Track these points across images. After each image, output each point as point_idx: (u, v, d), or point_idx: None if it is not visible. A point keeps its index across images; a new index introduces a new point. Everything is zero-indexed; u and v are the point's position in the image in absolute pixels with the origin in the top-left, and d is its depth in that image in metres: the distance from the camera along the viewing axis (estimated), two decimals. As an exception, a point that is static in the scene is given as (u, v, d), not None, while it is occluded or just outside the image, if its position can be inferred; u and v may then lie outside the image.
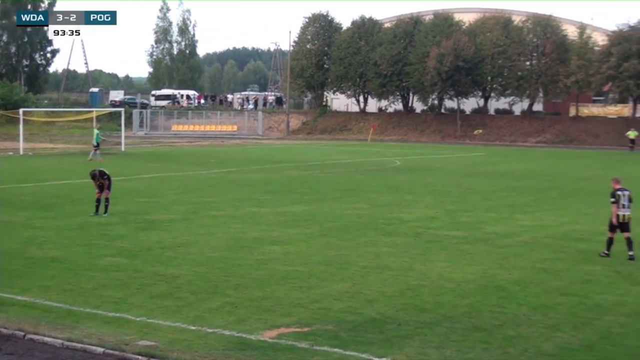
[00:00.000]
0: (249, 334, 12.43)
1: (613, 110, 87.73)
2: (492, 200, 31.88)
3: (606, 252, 19.68)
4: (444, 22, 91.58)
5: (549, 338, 12.65)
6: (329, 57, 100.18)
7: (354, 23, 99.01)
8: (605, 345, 12.32)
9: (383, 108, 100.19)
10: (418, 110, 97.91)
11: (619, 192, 19.72)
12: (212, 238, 21.38)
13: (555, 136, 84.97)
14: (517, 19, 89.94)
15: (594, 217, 26.74)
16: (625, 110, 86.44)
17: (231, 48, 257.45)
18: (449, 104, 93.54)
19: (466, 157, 61.72)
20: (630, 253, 19.39)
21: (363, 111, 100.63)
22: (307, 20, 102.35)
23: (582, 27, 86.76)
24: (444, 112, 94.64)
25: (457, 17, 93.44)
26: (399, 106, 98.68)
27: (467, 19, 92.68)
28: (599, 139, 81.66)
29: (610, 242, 19.73)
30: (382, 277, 16.81)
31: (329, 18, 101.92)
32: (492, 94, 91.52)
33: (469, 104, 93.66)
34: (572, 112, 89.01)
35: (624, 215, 19.59)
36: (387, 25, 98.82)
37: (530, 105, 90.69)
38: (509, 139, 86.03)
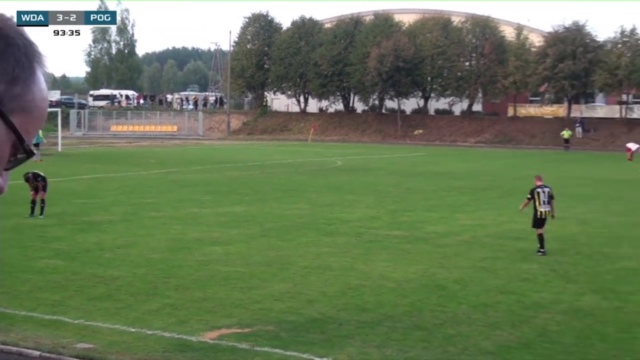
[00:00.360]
0: (190, 336, 12.32)
1: (549, 111, 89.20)
2: (432, 199, 32.13)
3: (541, 250, 19.97)
4: (384, 22, 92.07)
5: (488, 336, 12.76)
6: (269, 57, 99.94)
7: (294, 23, 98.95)
8: (542, 343, 12.49)
9: (324, 108, 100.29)
10: (359, 111, 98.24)
11: (539, 189, 20.22)
12: (152, 239, 21.15)
13: (494, 136, 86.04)
14: (456, 20, 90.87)
15: (531, 217, 27.04)
16: (560, 110, 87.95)
17: (171, 48, 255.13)
18: (390, 104, 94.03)
19: (407, 157, 62.14)
20: (542, 250, 19.86)
21: (304, 111, 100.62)
22: (247, 20, 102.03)
23: (520, 28, 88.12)
24: (384, 113, 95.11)
25: (397, 17, 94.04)
26: (340, 106, 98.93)
27: (407, 19, 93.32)
28: (536, 138, 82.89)
29: (540, 238, 20.06)
30: (323, 277, 16.80)
31: (269, 18, 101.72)
32: (432, 95, 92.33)
33: (410, 104, 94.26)
34: (510, 112, 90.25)
35: (543, 212, 20.04)
36: (327, 25, 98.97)
37: (470, 105, 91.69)
38: (449, 139, 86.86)
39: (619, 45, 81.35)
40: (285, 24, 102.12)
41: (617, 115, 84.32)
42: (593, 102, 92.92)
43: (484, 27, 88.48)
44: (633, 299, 15.29)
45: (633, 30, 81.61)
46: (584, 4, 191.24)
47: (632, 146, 59.92)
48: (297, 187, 36.00)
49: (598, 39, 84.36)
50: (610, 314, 14.25)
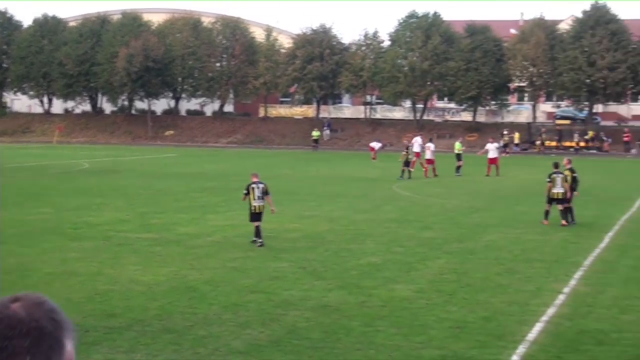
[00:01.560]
0: None
1: (299, 111, 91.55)
2: (184, 201, 31.87)
3: (259, 240, 21.07)
4: (132, 22, 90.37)
5: (239, 336, 12.77)
6: (8, 56, 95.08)
7: (35, 21, 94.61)
8: (292, 340, 12.64)
9: (70, 109, 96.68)
10: (107, 112, 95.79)
11: (254, 185, 21.35)
12: None
13: (246, 136, 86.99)
14: (206, 21, 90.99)
15: (282, 215, 27.50)
16: (310, 111, 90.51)
17: None
18: (140, 105, 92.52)
19: (158, 158, 61.39)
20: (260, 240, 20.98)
21: (48, 112, 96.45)
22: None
23: (269, 30, 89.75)
24: (134, 113, 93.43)
25: (146, 17, 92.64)
26: (87, 107, 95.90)
27: (157, 19, 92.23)
28: (287, 138, 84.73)
29: (257, 230, 21.14)
30: (68, 283, 16.12)
31: (8, 15, 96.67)
32: (183, 95, 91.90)
33: (160, 104, 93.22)
34: (262, 113, 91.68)
35: (258, 206, 21.14)
36: (72, 24, 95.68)
37: (221, 106, 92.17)
38: (201, 139, 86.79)
39: (363, 48, 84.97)
40: (27, 21, 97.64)
41: (362, 116, 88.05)
42: (340, 102, 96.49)
43: (234, 28, 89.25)
44: (376, 293, 15.86)
45: (375, 34, 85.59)
46: (330, 6, 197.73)
47: (376, 145, 62.72)
48: (40, 191, 34.45)
49: (344, 42, 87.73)
50: (355, 308, 14.69)
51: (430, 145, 46.73)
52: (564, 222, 25.42)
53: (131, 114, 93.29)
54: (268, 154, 69.99)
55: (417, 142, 50.51)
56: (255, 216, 21.23)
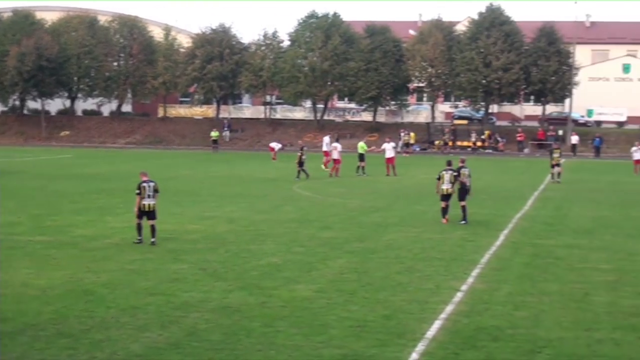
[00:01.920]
0: None
1: (199, 111, 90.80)
2: (80, 202, 31.18)
3: (139, 238, 21.36)
4: (24, 20, 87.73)
5: (137, 339, 12.61)
6: None
7: None
8: (191, 342, 12.53)
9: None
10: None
11: (145, 184, 21.44)
12: None
13: (145, 137, 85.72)
14: (103, 19, 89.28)
15: (182, 216, 27.30)
16: (210, 111, 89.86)
17: None
18: (33, 104, 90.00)
19: (53, 159, 59.94)
20: (152, 239, 21.22)
21: None
22: None
23: (168, 29, 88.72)
24: (27, 114, 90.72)
25: (39, 15, 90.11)
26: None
27: (50, 17, 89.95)
28: (186, 139, 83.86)
29: (139, 227, 21.39)
30: (-43, 289, 15.53)
31: None
32: (79, 95, 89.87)
33: (55, 104, 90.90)
34: (161, 113, 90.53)
35: (149, 205, 21.34)
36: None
37: (119, 106, 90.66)
38: (98, 140, 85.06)
39: (263, 48, 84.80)
40: None
41: (262, 116, 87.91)
42: (240, 103, 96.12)
43: (131, 27, 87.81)
44: (277, 294, 15.83)
45: (275, 34, 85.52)
46: (230, 6, 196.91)
47: (275, 145, 62.65)
48: None
49: (243, 42, 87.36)
50: (256, 309, 14.62)
51: (337, 145, 46.91)
52: (444, 219, 26.25)
53: (23, 114, 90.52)
54: (168, 154, 69.14)
55: (325, 142, 50.49)
56: (144, 214, 21.40)
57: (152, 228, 21.28)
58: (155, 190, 21.55)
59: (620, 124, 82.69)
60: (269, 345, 12.42)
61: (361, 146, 48.31)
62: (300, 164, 43.86)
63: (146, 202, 21.28)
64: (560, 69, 78.04)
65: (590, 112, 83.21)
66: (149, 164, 55.84)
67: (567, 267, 19.06)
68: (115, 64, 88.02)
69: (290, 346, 12.39)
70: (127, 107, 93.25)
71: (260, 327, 13.43)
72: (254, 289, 16.25)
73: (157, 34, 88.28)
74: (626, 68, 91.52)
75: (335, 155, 46.33)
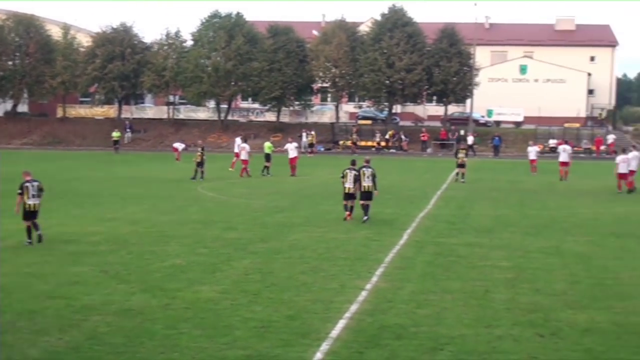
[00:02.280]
0: None
1: (100, 112, 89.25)
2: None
3: (29, 240, 21.17)
4: None
5: (35, 343, 12.32)
6: None
7: None
8: (92, 346, 12.28)
9: None
10: None
11: (28, 184, 21.41)
12: None
13: (43, 137, 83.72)
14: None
15: (83, 218, 26.78)
16: (111, 111, 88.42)
17: None
18: None
19: (-53, 160, 57.90)
20: (38, 232, 21.31)
21: None
22: None
23: (66, 28, 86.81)
24: None
25: None
26: None
27: None
28: (87, 140, 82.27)
29: (29, 230, 21.20)
30: None
31: None
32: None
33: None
34: (60, 113, 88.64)
35: (34, 204, 21.35)
36: None
37: (15, 106, 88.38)
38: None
39: (165, 47, 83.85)
40: None
41: (165, 116, 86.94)
42: (143, 103, 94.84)
43: (27, 25, 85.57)
44: (180, 296, 15.63)
45: (177, 33, 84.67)
46: (131, 5, 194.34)
47: (179, 146, 62.05)
48: None
49: (145, 41, 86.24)
50: (159, 311, 14.41)
51: (246, 146, 46.73)
52: (347, 214, 26.71)
53: None
54: (67, 155, 67.68)
55: (237, 143, 50.26)
56: (30, 215, 21.29)
57: (29, 229, 21.24)
58: (40, 190, 21.49)
59: (517, 124, 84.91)
60: (172, 348, 12.25)
61: (268, 146, 48.25)
62: (200, 164, 43.41)
63: (31, 202, 21.21)
64: (461, 70, 79.59)
65: (490, 112, 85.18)
66: (49, 165, 54.57)
67: (468, 265, 19.38)
68: (10, 63, 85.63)
69: (194, 348, 12.25)
70: (23, 107, 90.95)
71: (163, 329, 13.23)
72: (157, 291, 16.01)
73: (56, 33, 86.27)
74: (523, 69, 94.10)
75: (243, 155, 46.14)
